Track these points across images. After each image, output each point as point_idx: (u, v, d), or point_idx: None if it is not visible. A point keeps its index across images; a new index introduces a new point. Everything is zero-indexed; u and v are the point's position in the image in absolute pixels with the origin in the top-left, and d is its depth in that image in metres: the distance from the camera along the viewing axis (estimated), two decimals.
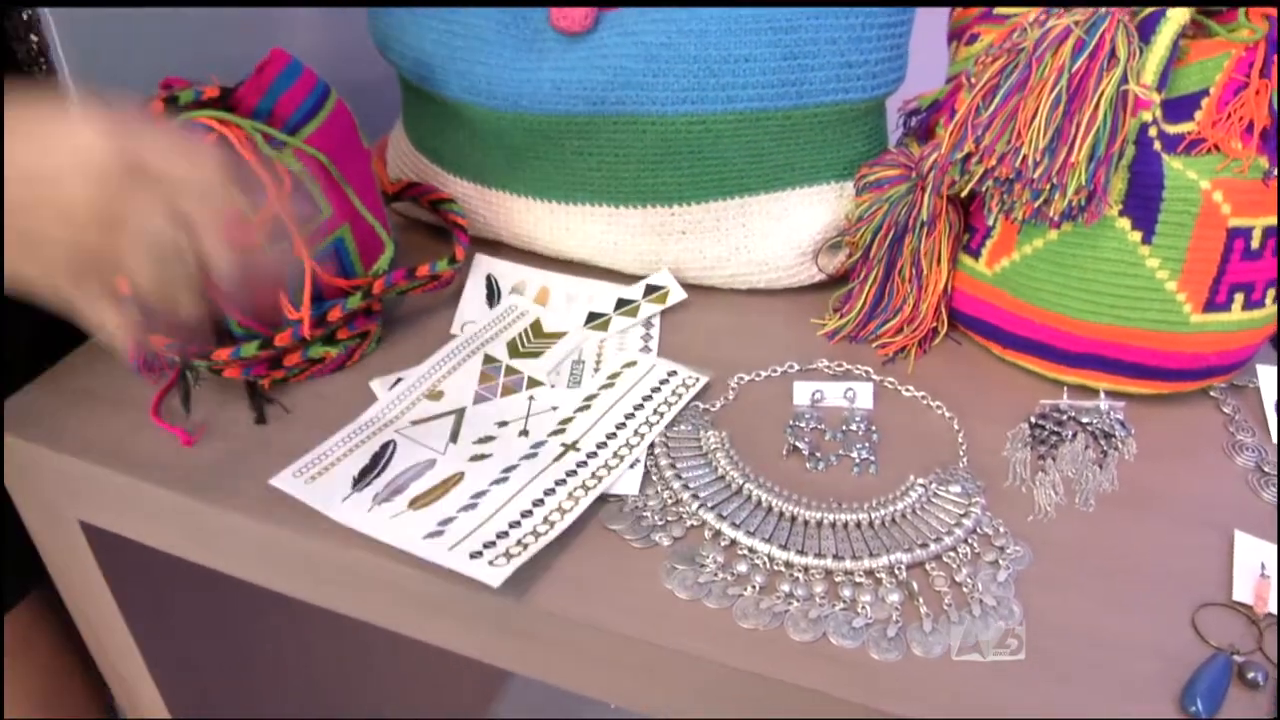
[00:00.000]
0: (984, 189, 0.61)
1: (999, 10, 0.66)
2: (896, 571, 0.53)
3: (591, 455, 0.60)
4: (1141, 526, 0.56)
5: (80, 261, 0.47)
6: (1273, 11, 0.58)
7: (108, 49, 0.69)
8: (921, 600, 0.52)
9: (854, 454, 0.61)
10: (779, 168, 0.70)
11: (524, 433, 0.62)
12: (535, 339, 0.69)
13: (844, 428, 0.63)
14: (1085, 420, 0.63)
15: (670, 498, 0.58)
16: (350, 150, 0.66)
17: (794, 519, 0.57)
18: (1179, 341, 0.61)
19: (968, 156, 0.60)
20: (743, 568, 0.54)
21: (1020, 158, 0.57)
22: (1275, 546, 0.55)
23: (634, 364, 0.67)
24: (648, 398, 0.64)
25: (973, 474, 0.59)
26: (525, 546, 0.53)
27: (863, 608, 0.52)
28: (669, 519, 0.57)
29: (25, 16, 0.63)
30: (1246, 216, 0.58)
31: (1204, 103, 0.59)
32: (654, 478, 0.59)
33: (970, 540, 0.55)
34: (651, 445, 0.61)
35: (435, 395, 0.64)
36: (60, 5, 0.65)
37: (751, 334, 0.71)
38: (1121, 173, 0.59)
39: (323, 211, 0.64)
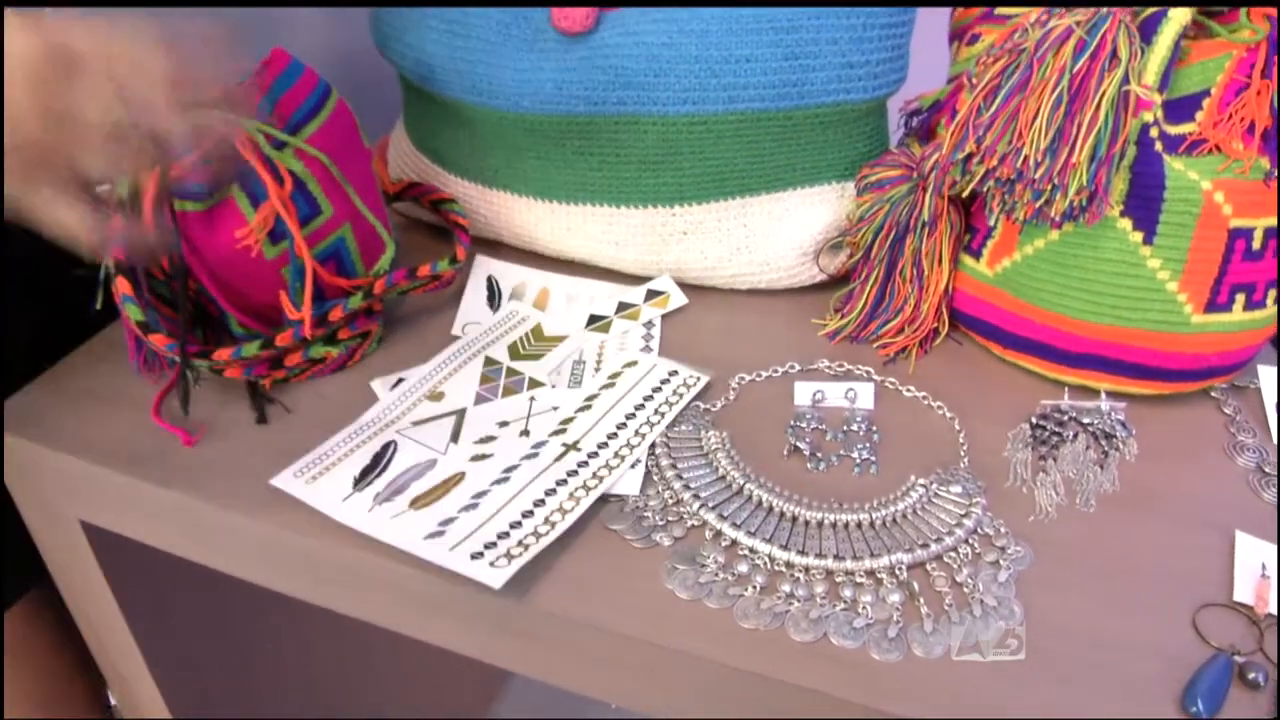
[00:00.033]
0: (985, 189, 0.61)
1: (1000, 10, 0.66)
2: (897, 572, 0.53)
3: (592, 455, 0.60)
4: (1142, 527, 0.56)
5: (31, 162, 0.46)
6: (1274, 12, 0.58)
7: None
8: (922, 600, 0.52)
9: (855, 454, 0.61)
10: (780, 168, 0.70)
11: (525, 433, 0.62)
12: (536, 342, 0.69)
13: (845, 428, 0.63)
14: (1086, 421, 0.63)
15: (671, 498, 0.58)
16: (351, 150, 0.66)
17: (795, 519, 0.57)
18: (1180, 342, 0.61)
19: (969, 157, 0.60)
20: (743, 568, 0.54)
21: (1021, 158, 0.57)
22: (1276, 547, 0.55)
23: (635, 364, 0.67)
24: (649, 398, 0.64)
25: (973, 474, 0.59)
26: (526, 547, 0.53)
27: (863, 608, 0.52)
28: (670, 519, 0.57)
29: None
30: (1248, 217, 0.58)
31: (1205, 103, 0.59)
32: (655, 478, 0.59)
33: (971, 540, 0.55)
34: (652, 445, 0.61)
35: (436, 396, 0.64)
36: (61, 5, 0.65)
37: (752, 334, 0.71)
38: (1123, 173, 0.59)
39: (324, 211, 0.64)
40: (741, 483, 0.58)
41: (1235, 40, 0.58)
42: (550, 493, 0.57)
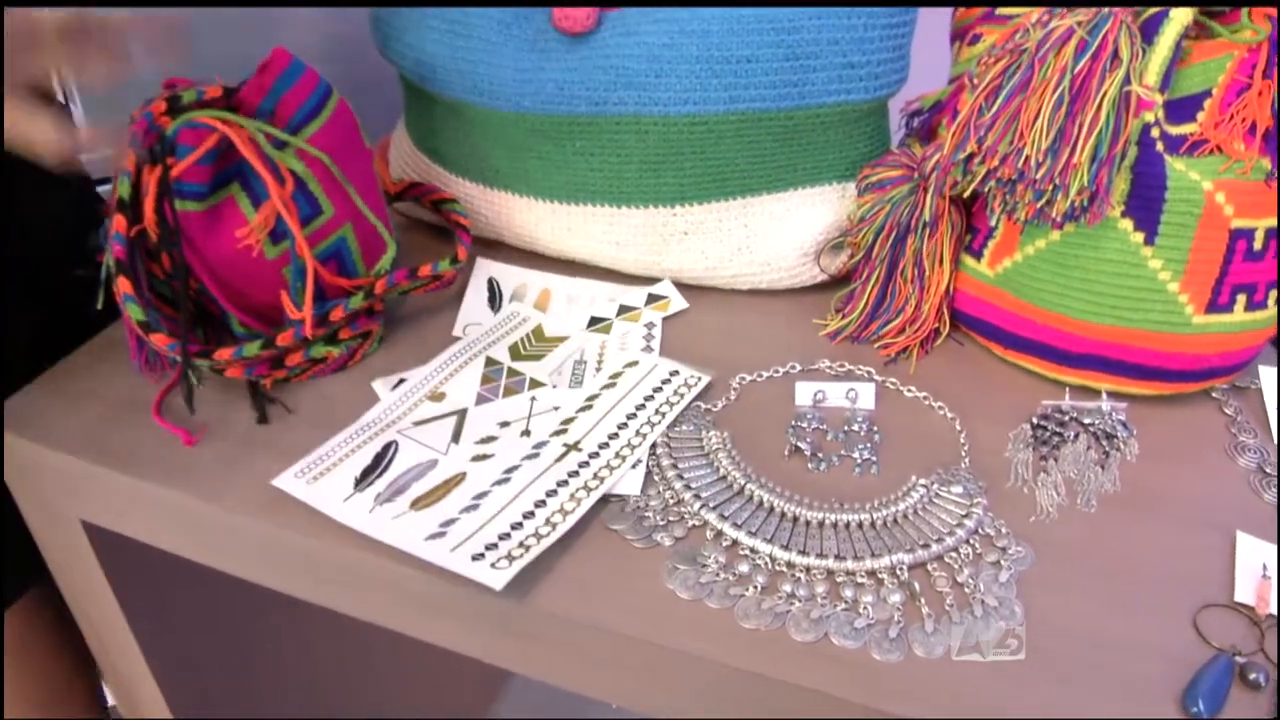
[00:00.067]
0: (986, 190, 0.61)
1: (1001, 11, 0.66)
2: (898, 572, 0.53)
3: (593, 455, 0.60)
4: (1143, 527, 0.56)
5: None
6: (1275, 12, 0.58)
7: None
8: (923, 601, 0.52)
9: (856, 454, 0.61)
10: (781, 168, 0.70)
11: (526, 433, 0.62)
12: (537, 343, 0.69)
13: (846, 428, 0.63)
14: (1087, 421, 0.63)
15: (672, 498, 0.58)
16: (352, 150, 0.66)
17: (796, 519, 0.57)
18: (1181, 343, 0.61)
19: (970, 157, 0.60)
20: (744, 568, 0.54)
21: (1023, 158, 0.57)
22: (1276, 548, 0.55)
23: (636, 364, 0.67)
24: (649, 398, 0.64)
25: (974, 475, 0.59)
26: (527, 548, 0.53)
27: (864, 608, 0.52)
28: (671, 519, 0.57)
29: None
30: (1249, 218, 0.58)
31: (1206, 104, 0.59)
32: (656, 478, 0.59)
33: (972, 541, 0.55)
34: (653, 445, 0.61)
35: (437, 396, 0.64)
36: (63, 5, 0.65)
37: (753, 334, 0.71)
38: (1124, 174, 0.59)
39: (325, 211, 0.64)
40: (742, 483, 0.58)
41: (1237, 41, 0.58)
42: (551, 493, 0.57)
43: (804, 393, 0.66)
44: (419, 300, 0.74)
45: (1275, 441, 0.63)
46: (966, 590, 0.53)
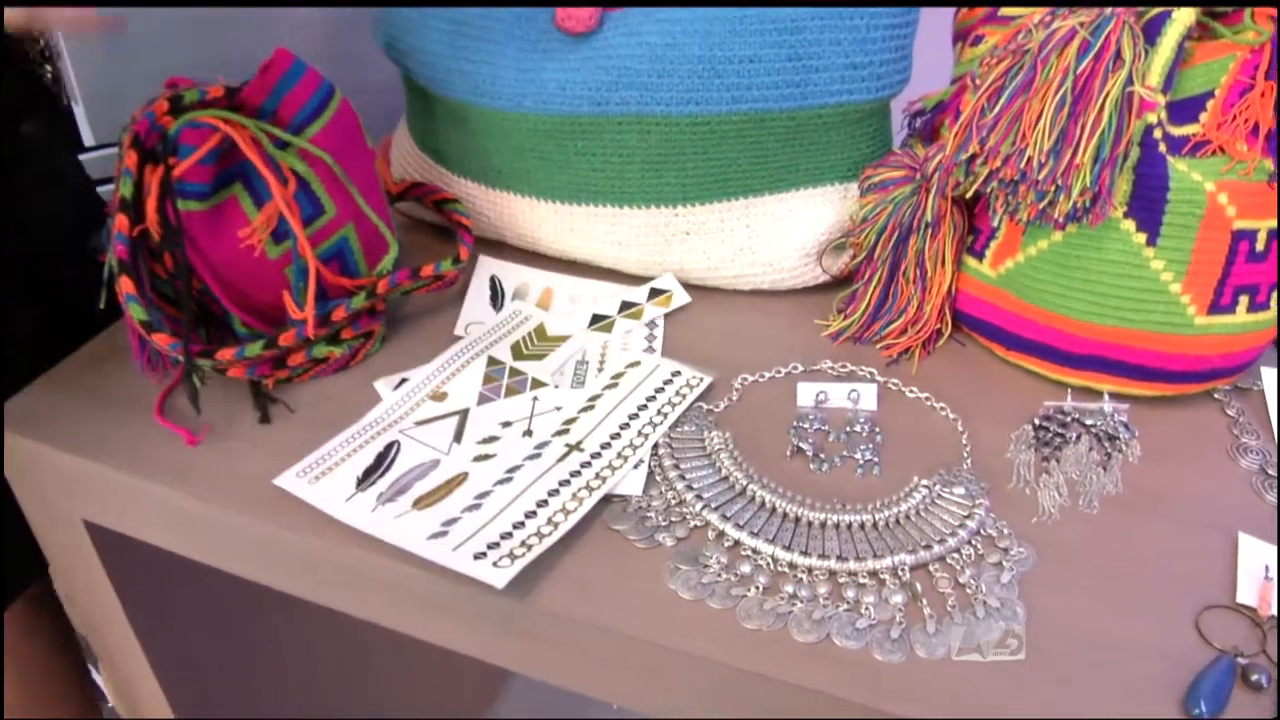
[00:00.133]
0: (988, 190, 0.61)
1: (1004, 11, 0.66)
2: (900, 573, 0.53)
3: (595, 456, 0.60)
4: (1145, 529, 0.56)
5: None
6: (1277, 13, 0.58)
7: (114, 49, 0.69)
8: (925, 601, 0.52)
9: (858, 455, 0.61)
10: (783, 169, 0.70)
11: (528, 433, 0.62)
12: (539, 342, 0.69)
13: (848, 429, 0.63)
14: (1089, 422, 0.63)
15: (674, 498, 0.58)
16: (354, 150, 0.66)
17: (798, 520, 0.57)
18: (1183, 344, 0.61)
19: (972, 158, 0.60)
20: (746, 568, 0.54)
21: (1025, 159, 0.57)
22: (1278, 549, 0.55)
23: (638, 364, 0.67)
24: (651, 398, 0.64)
25: (976, 475, 0.59)
26: (529, 547, 0.53)
27: (866, 609, 0.52)
28: (672, 519, 0.57)
29: None
30: (1251, 219, 0.58)
31: (1209, 105, 0.59)
32: (658, 478, 0.59)
33: (974, 542, 0.55)
34: (655, 446, 0.61)
35: (439, 396, 0.64)
36: (61, 5, 0.65)
37: (755, 335, 0.71)
38: (1126, 174, 0.59)
39: (327, 211, 0.64)
40: (744, 483, 0.58)
41: (1239, 42, 0.58)
42: (553, 493, 0.57)
43: (806, 393, 0.66)
44: (421, 300, 0.74)
45: (1277, 443, 0.63)
46: (968, 591, 0.53)
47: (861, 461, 0.61)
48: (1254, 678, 0.48)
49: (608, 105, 0.67)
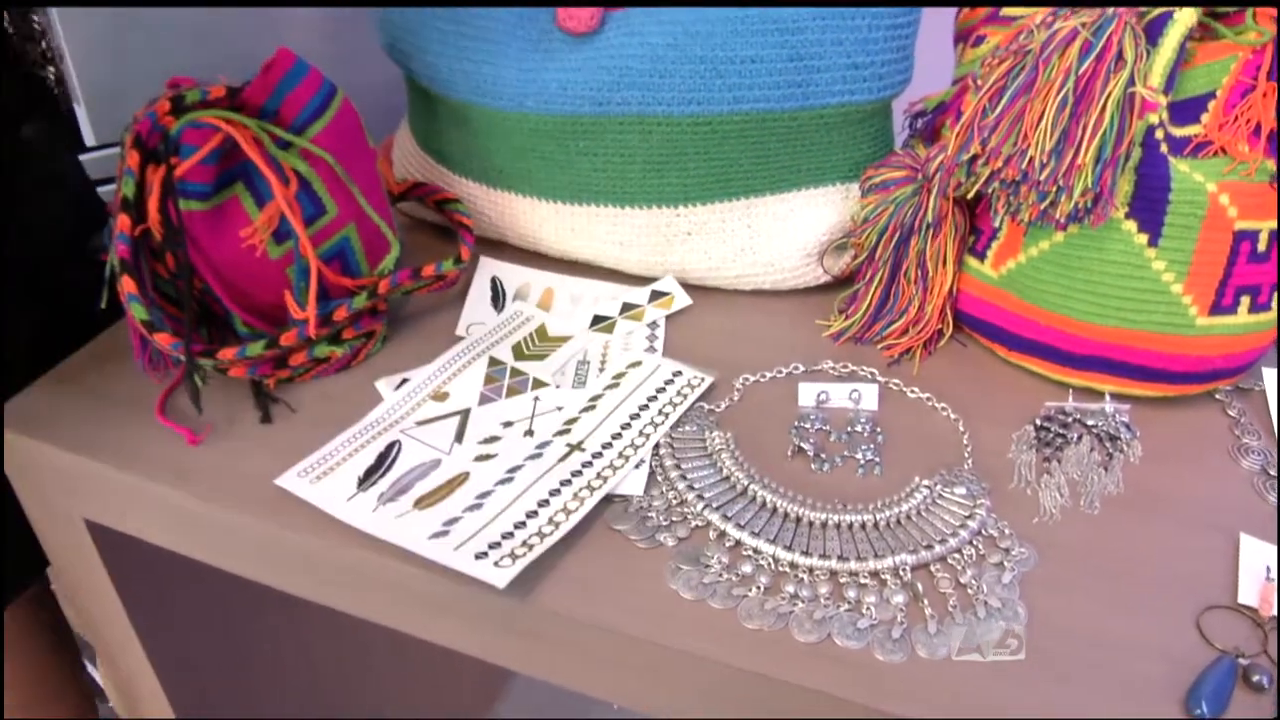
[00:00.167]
0: (990, 191, 0.61)
1: (1006, 12, 0.66)
2: (901, 573, 0.53)
3: (597, 455, 0.60)
4: (1147, 529, 0.56)
5: None
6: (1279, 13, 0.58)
7: (115, 49, 0.69)
8: (926, 602, 0.52)
9: (859, 455, 0.61)
10: (785, 169, 0.70)
11: (529, 433, 0.62)
12: (540, 342, 0.69)
13: (849, 429, 0.63)
14: (1090, 423, 0.63)
15: (675, 498, 0.58)
16: (356, 150, 0.66)
17: (799, 520, 0.57)
18: (1185, 344, 0.61)
19: (974, 158, 0.60)
20: (747, 568, 0.54)
21: (1026, 160, 0.57)
22: (1279, 550, 0.55)
23: (639, 364, 0.67)
24: (653, 398, 0.64)
25: (978, 476, 0.59)
26: (531, 547, 0.53)
27: (867, 609, 0.52)
28: (674, 519, 0.57)
29: (36, 19, 0.63)
30: (1253, 219, 0.58)
31: (1211, 105, 0.59)
32: (659, 478, 0.59)
33: (975, 542, 0.55)
34: (656, 446, 0.61)
35: (440, 396, 0.64)
36: (67, 5, 0.65)
37: (756, 335, 0.71)
38: (1128, 175, 0.59)
39: (329, 211, 0.64)
40: (745, 483, 0.58)
41: (1241, 42, 0.58)
42: (554, 493, 0.57)
43: (807, 393, 0.66)
44: (422, 300, 0.74)
45: (1278, 443, 0.63)
46: (970, 591, 0.53)
47: (863, 462, 0.61)
48: (1255, 678, 0.48)
49: (609, 105, 0.67)
